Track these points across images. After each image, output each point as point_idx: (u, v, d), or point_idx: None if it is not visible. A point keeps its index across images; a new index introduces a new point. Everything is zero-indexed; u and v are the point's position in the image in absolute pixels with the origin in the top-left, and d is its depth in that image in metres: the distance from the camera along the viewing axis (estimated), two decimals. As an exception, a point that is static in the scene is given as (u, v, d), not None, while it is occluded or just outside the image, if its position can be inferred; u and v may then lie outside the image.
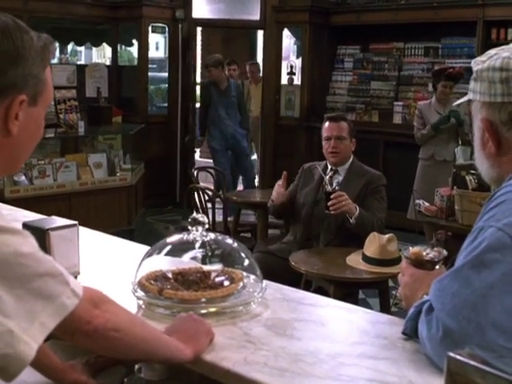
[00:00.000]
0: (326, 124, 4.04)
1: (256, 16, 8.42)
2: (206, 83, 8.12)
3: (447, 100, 5.90)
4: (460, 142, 5.71)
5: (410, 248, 1.65)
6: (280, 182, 3.93)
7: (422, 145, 6.11)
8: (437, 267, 1.61)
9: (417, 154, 6.24)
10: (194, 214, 1.75)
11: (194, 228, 1.74)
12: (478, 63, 1.41)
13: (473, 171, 4.18)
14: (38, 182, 6.14)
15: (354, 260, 3.43)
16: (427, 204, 4.52)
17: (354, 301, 3.71)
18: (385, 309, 3.61)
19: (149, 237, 6.43)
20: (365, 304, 4.83)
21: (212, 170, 6.59)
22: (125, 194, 6.82)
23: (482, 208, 1.37)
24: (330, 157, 3.99)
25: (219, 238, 1.80)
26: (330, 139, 3.97)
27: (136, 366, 1.62)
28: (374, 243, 3.36)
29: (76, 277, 1.87)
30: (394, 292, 4.44)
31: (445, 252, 1.63)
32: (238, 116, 7.77)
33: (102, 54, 11.92)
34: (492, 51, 1.42)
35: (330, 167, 4.03)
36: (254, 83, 9.13)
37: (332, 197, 3.66)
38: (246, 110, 8.19)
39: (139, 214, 7.44)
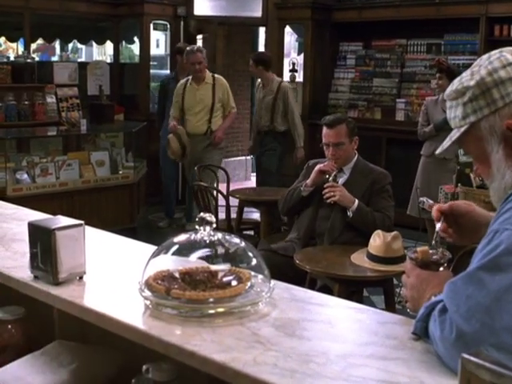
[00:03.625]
0: (324, 129, 3.98)
1: (258, 13, 8.40)
2: (167, 78, 7.46)
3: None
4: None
5: (414, 249, 1.64)
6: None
7: (424, 141, 6.12)
8: (441, 268, 1.60)
9: (419, 150, 6.24)
10: (202, 214, 1.74)
11: (201, 227, 1.73)
12: (467, 80, 1.41)
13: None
14: (40, 181, 6.14)
15: (359, 258, 3.42)
16: (431, 201, 4.50)
17: (359, 299, 3.71)
18: (390, 307, 3.61)
19: (151, 235, 6.43)
20: (368, 302, 4.83)
21: (214, 168, 6.56)
22: (127, 191, 6.83)
23: (497, 210, 1.36)
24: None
25: (227, 237, 1.79)
26: (328, 145, 3.94)
27: (144, 367, 1.61)
28: (378, 241, 3.36)
29: (82, 277, 1.86)
30: (397, 290, 4.44)
31: (449, 254, 1.63)
32: None
33: (102, 52, 11.91)
34: (466, 72, 1.45)
35: (334, 166, 4.01)
36: (194, 82, 6.39)
37: (325, 186, 3.71)
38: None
39: (141, 211, 7.44)
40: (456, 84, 1.44)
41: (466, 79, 1.41)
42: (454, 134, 1.47)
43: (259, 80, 7.04)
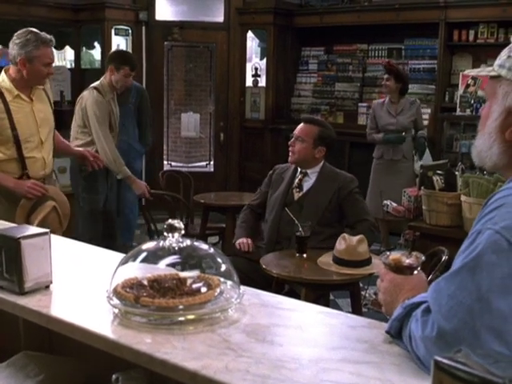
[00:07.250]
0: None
1: (220, 18, 8.40)
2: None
3: (395, 98, 6.00)
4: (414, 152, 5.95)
5: (388, 253, 1.65)
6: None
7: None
8: (415, 272, 1.61)
9: (382, 154, 6.32)
10: (170, 220, 1.73)
11: (169, 234, 1.72)
12: None
13: (439, 171, 4.23)
14: (0, 188, 6.02)
15: (325, 262, 3.43)
16: (395, 204, 4.56)
17: (326, 302, 3.72)
18: (356, 310, 3.62)
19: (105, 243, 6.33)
20: (334, 305, 4.84)
21: (178, 175, 6.53)
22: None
23: (479, 212, 1.37)
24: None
25: (195, 243, 1.78)
26: (293, 137, 4.00)
27: (113, 376, 1.59)
28: (344, 244, 3.37)
29: (48, 286, 1.83)
30: (363, 293, 4.47)
31: (423, 257, 1.64)
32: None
33: (62, 57, 11.75)
34: None
35: (299, 170, 4.02)
36: (24, 92, 3.54)
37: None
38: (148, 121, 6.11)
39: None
40: None
41: None
42: (485, 71, 1.49)
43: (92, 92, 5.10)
